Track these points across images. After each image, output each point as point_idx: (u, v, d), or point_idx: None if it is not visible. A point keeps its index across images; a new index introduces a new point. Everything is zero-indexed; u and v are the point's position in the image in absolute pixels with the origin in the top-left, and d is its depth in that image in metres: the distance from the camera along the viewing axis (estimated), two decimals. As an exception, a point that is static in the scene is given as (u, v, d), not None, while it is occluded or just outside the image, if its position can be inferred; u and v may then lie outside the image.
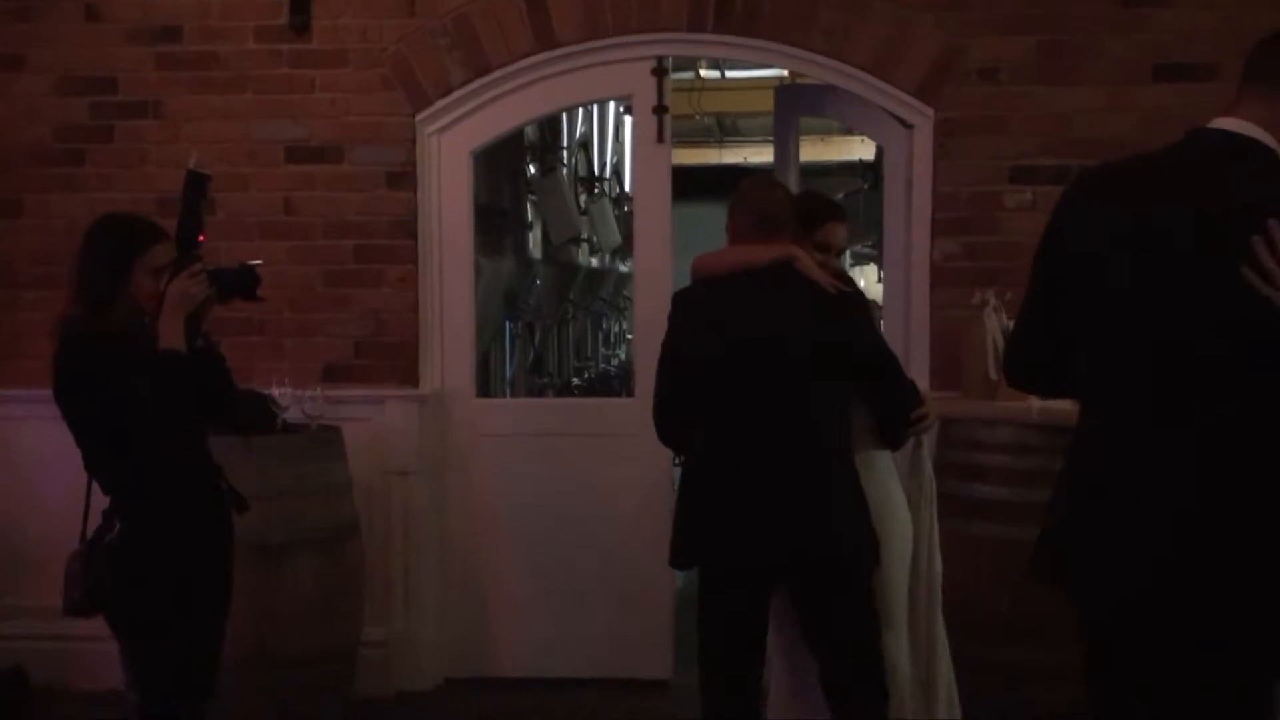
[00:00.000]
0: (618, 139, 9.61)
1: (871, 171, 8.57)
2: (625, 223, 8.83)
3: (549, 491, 5.34)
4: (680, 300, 3.73)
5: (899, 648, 3.74)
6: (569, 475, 5.35)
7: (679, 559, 3.72)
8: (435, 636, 5.32)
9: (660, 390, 3.67)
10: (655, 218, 5.38)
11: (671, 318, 3.70)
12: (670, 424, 3.69)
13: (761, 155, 14.21)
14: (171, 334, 3.33)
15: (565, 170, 7.65)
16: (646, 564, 5.25)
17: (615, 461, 5.32)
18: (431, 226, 5.34)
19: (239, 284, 3.51)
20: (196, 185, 3.49)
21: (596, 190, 8.45)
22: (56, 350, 3.37)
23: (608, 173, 8.95)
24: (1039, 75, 5.13)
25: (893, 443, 3.75)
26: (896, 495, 3.79)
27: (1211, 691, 2.29)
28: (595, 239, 8.71)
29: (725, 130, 13.91)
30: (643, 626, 5.31)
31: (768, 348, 3.50)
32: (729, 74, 10.05)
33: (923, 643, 3.83)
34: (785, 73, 7.38)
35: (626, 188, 9.52)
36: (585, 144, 8.39)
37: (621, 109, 8.89)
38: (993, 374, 4.71)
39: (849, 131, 9.23)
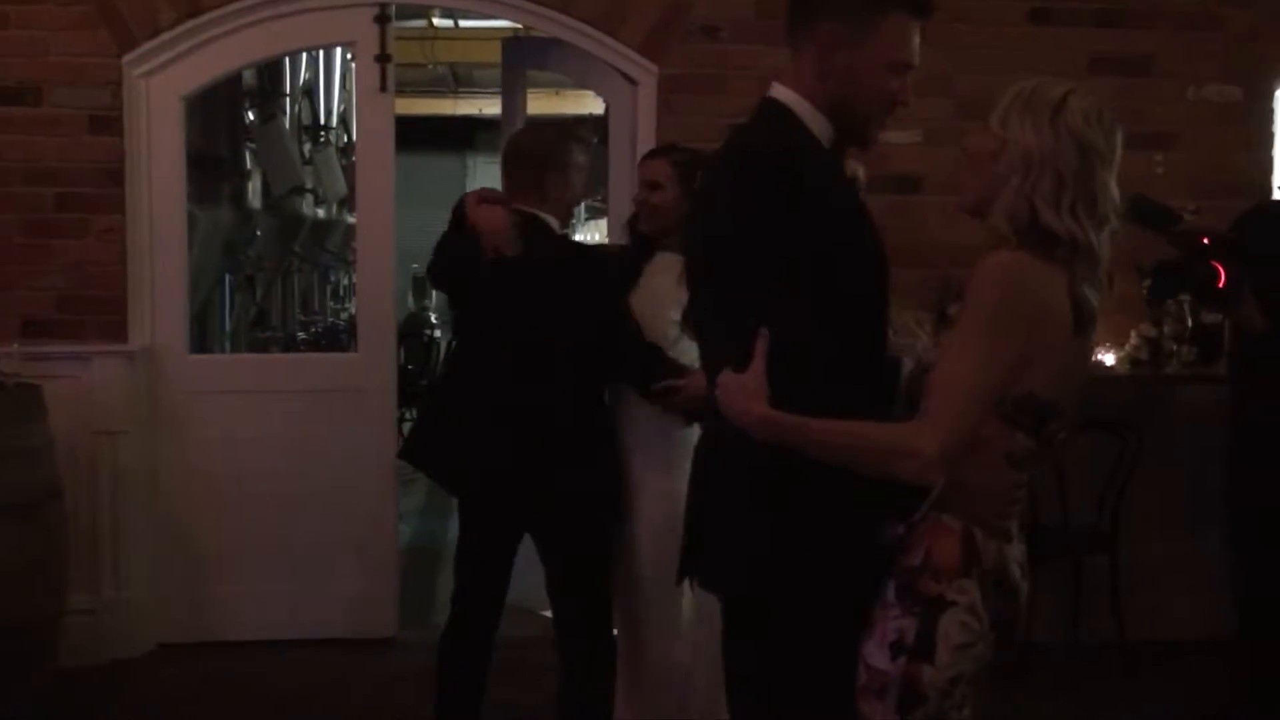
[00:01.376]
0: (345, 87, 9.38)
1: (604, 126, 8.59)
2: (352, 173, 8.61)
3: (268, 450, 5.18)
4: None
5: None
6: (288, 433, 5.20)
7: None
8: (148, 602, 5.11)
9: None
10: (379, 169, 5.27)
11: None
12: None
13: (497, 107, 14.12)
14: None
15: (287, 118, 7.40)
16: (370, 522, 5.21)
17: (337, 418, 5.21)
18: (140, 175, 5.09)
19: None
20: None
21: (322, 139, 8.23)
22: None
23: (334, 121, 8.72)
24: (759, 34, 5.23)
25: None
26: (640, 465, 3.77)
27: None
28: (320, 189, 8.49)
29: (460, 80, 13.74)
30: (367, 584, 5.24)
31: None
32: (463, 23, 9.89)
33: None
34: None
35: (354, 137, 9.30)
36: (310, 91, 8.15)
37: (349, 55, 8.67)
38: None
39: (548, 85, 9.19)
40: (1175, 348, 5.00)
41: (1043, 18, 5.32)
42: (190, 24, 5.06)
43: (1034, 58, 5.27)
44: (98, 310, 5.07)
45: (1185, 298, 4.05)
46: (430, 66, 11.92)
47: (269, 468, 5.17)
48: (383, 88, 5.22)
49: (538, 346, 3.63)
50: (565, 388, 3.64)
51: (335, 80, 9.07)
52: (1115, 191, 2.30)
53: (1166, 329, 5.00)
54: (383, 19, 5.17)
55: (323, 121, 8.36)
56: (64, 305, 5.06)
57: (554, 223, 3.76)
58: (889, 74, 2.37)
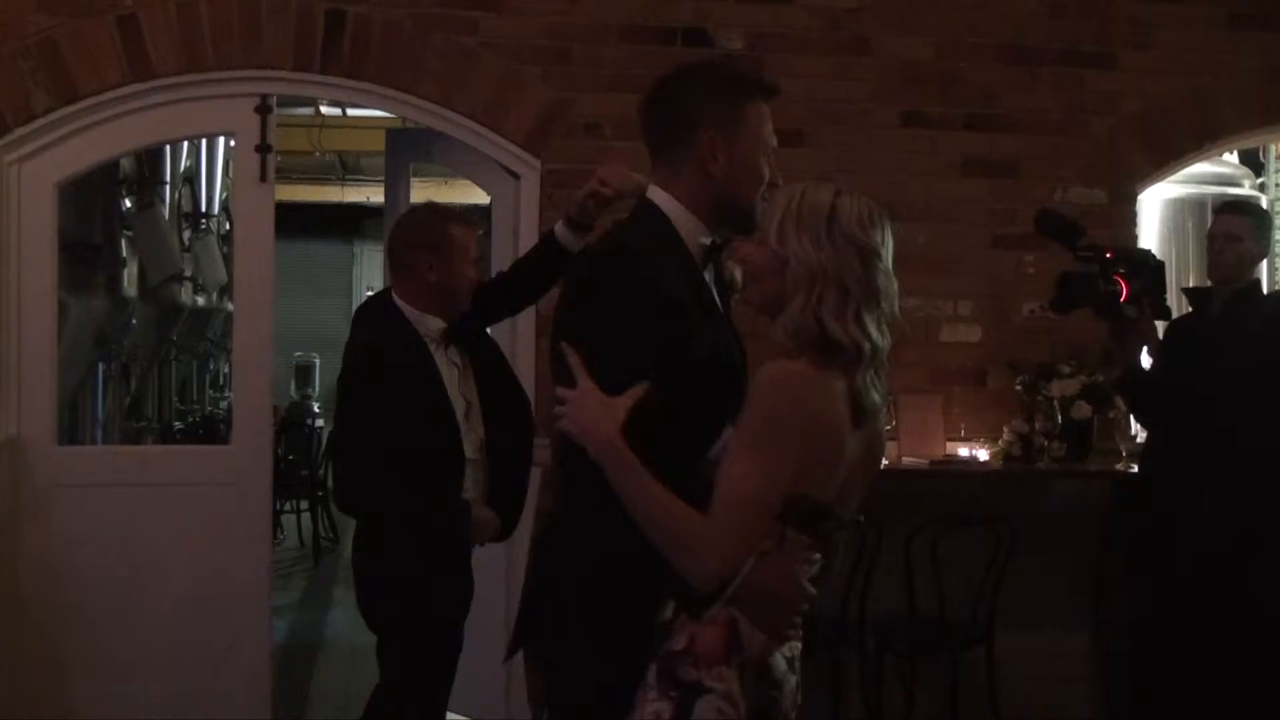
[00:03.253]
0: (228, 174, 9.30)
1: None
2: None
3: (139, 546, 5.05)
4: None
5: None
6: (161, 528, 5.07)
7: None
8: (9, 703, 4.91)
9: None
10: (258, 258, 5.20)
11: None
12: None
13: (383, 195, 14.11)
14: None
15: (167, 205, 7.31)
16: (244, 618, 5.09)
17: (211, 512, 5.09)
18: (9, 261, 4.97)
19: None
20: None
21: (203, 226, 8.13)
22: None
23: (216, 208, 8.63)
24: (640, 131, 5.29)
25: None
26: None
27: None
28: (200, 277, 8.37)
29: (348, 168, 13.73)
30: (239, 677, 5.09)
31: None
32: (351, 112, 9.89)
33: None
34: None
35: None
36: (191, 178, 8.06)
37: (231, 144, 8.61)
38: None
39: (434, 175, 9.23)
40: (1046, 443, 5.11)
41: (916, 121, 5.47)
42: (66, 110, 4.99)
43: (908, 159, 5.43)
44: (-39, 400, 4.92)
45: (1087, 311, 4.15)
46: (317, 154, 11.91)
47: (140, 564, 5.03)
48: (263, 178, 5.16)
49: None
50: None
51: (218, 167, 8.98)
52: (893, 282, 2.35)
53: (1038, 424, 5.11)
54: (264, 109, 5.14)
55: (204, 209, 8.26)
56: (-75, 395, 4.90)
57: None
58: (760, 159, 2.54)
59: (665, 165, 2.56)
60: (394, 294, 3.92)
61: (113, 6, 4.98)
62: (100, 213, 6.44)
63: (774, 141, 2.57)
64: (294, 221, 12.56)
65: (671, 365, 2.37)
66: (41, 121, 4.98)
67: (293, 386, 14.35)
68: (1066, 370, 5.21)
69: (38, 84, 4.96)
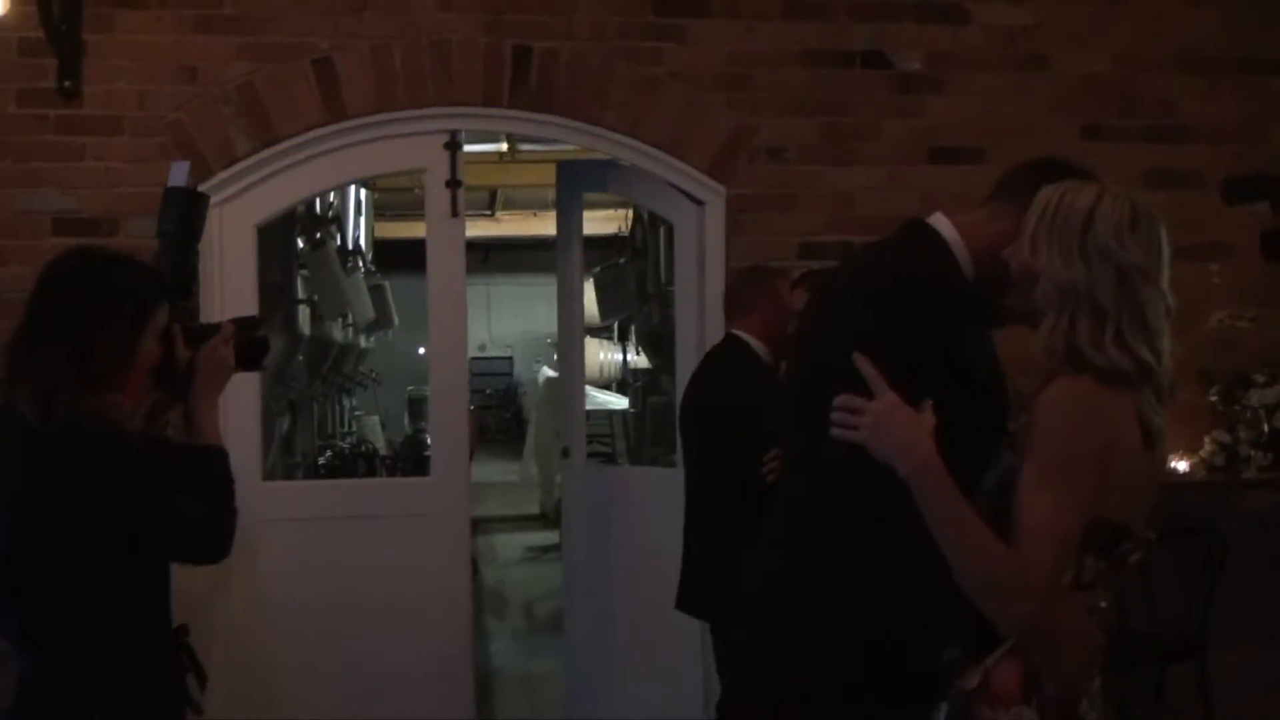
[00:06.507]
0: (359, 214, 9.47)
1: (628, 246, 8.69)
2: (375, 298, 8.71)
3: (339, 577, 5.12)
4: None
5: None
6: (360, 559, 5.14)
7: None
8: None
9: None
10: (451, 293, 5.28)
11: None
12: None
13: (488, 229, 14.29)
14: (213, 424, 2.60)
15: (334, 244, 7.45)
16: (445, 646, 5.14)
17: (408, 543, 5.16)
18: (214, 301, 5.08)
19: (256, 350, 2.83)
20: (192, 207, 2.78)
21: (350, 265, 8.26)
22: (41, 450, 2.39)
23: (362, 247, 8.79)
24: (823, 156, 5.34)
25: None
26: None
27: None
28: (350, 314, 8.51)
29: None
30: (445, 706, 5.14)
31: None
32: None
33: None
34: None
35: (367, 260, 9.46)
36: (338, 218, 8.20)
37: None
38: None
39: (604, 205, 9.33)
40: (1251, 453, 5.06)
41: (1096, 134, 5.45)
42: (265, 153, 5.10)
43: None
44: (174, 439, 5.02)
45: None
46: (415, 190, 12.01)
47: (343, 595, 5.11)
48: (454, 213, 5.24)
49: None
50: None
51: (350, 208, 9.13)
52: (1168, 299, 2.19)
53: (1242, 434, 5.07)
54: (453, 145, 5.22)
55: (350, 247, 8.41)
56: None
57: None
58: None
59: (992, 203, 2.53)
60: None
61: (309, 50, 5.10)
62: (279, 252, 6.57)
63: None
64: (403, 258, 12.75)
65: (956, 386, 2.31)
66: (242, 165, 5.09)
67: (406, 420, 14.50)
68: (1261, 379, 5.17)
69: (239, 128, 5.07)
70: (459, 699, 5.22)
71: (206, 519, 2.53)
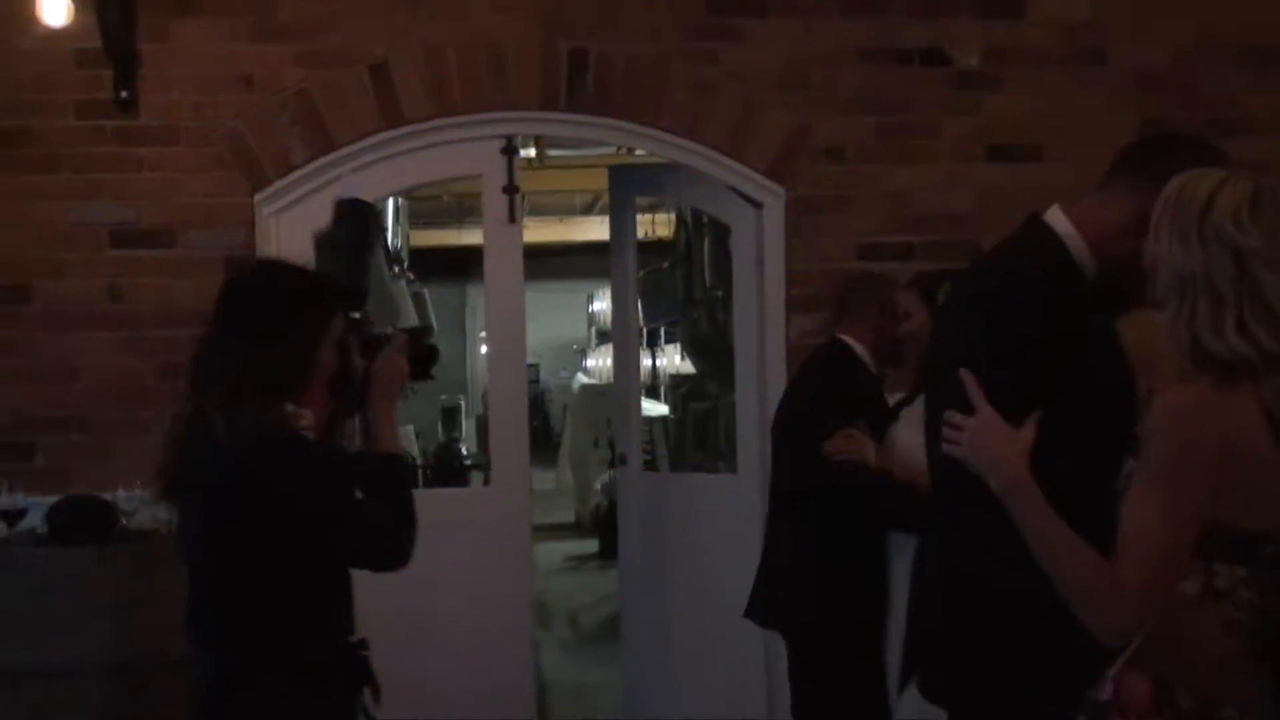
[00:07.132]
0: (397, 221, 9.45)
1: (671, 250, 8.64)
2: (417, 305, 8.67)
3: (403, 586, 5.02)
4: None
5: None
6: (423, 569, 5.06)
7: None
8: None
9: None
10: (509, 298, 5.25)
11: None
12: None
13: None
14: (392, 433, 2.63)
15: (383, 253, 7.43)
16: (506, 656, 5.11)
17: (471, 552, 5.12)
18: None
19: (427, 359, 2.83)
20: (361, 220, 2.84)
21: (395, 272, 8.24)
22: (231, 459, 2.42)
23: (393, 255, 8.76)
24: (882, 155, 5.29)
25: None
26: None
27: None
28: (399, 322, 8.50)
29: (465, 211, 13.81)
30: (506, 714, 5.11)
31: None
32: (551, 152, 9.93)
33: None
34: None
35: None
36: (383, 227, 8.18)
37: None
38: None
39: (647, 210, 9.28)
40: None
41: (1156, 128, 5.38)
42: (322, 161, 5.07)
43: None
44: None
45: None
46: (445, 198, 11.94)
47: (407, 604, 5.04)
48: (511, 219, 5.21)
49: None
50: None
51: (389, 215, 9.10)
52: None
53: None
54: (509, 150, 5.20)
55: (392, 254, 8.39)
56: (202, 447, 4.99)
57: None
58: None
59: (1108, 186, 2.50)
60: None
61: (364, 56, 5.07)
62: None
63: None
64: (432, 264, 12.72)
65: (1075, 387, 2.30)
66: (299, 173, 5.07)
67: (439, 429, 14.46)
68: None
69: (295, 136, 5.05)
70: (522, 707, 5.18)
71: (390, 526, 2.57)
